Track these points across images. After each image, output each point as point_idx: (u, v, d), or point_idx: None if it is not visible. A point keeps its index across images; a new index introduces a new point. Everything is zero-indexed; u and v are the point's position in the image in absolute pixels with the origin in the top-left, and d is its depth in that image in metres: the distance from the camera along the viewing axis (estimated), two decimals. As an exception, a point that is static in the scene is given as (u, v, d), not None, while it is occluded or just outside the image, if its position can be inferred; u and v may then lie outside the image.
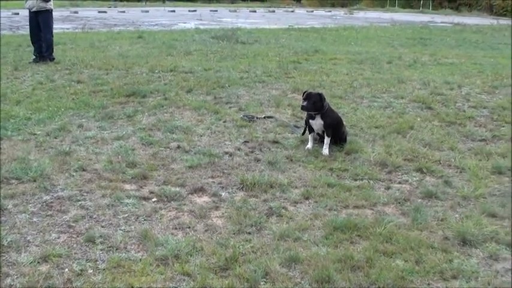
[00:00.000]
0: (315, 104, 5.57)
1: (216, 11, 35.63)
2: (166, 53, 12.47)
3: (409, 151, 5.61)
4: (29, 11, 11.15)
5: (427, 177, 4.99)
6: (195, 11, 34.03)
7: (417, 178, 4.96)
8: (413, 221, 4.02)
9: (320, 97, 5.61)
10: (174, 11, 34.25)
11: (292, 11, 39.76)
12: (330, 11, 40.87)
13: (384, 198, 4.48)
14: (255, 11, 36.39)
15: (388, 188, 4.73)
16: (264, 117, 6.79)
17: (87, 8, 35.25)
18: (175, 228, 3.90)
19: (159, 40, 14.99)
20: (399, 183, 4.86)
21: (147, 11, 33.04)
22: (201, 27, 20.20)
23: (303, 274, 3.31)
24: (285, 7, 45.85)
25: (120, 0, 46.50)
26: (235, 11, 36.17)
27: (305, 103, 5.58)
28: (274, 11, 38.11)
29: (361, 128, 6.50)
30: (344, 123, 6.00)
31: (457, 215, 4.17)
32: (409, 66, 11.37)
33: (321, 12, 39.63)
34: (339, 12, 38.53)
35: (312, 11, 40.12)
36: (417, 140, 6.02)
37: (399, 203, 4.40)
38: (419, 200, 4.46)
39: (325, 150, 5.59)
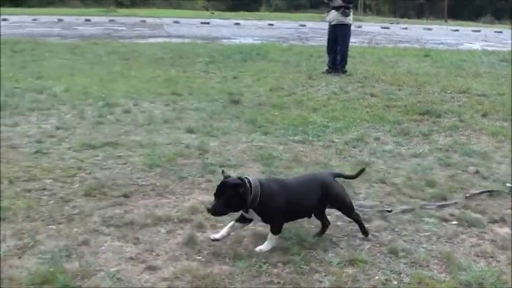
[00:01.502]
0: (229, 202, 3.55)
1: (501, 32, 33.31)
2: (454, 73, 12.15)
3: None
4: (329, 24, 11.90)
5: None
6: (479, 31, 32.33)
7: None
8: None
9: (236, 188, 3.52)
10: (457, 30, 33.00)
11: None
12: None
13: None
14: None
15: None
16: None
17: (369, 23, 36.18)
18: (477, 256, 3.78)
19: (446, 60, 14.66)
20: None
21: (430, 29, 32.45)
22: (488, 48, 19.16)
23: None
24: None
25: (401, 17, 46.87)
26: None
27: (213, 203, 3.59)
28: None
29: None
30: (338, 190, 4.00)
31: None
32: None
33: None
34: None
35: None
36: None
37: None
38: None
39: (263, 246, 3.71)
